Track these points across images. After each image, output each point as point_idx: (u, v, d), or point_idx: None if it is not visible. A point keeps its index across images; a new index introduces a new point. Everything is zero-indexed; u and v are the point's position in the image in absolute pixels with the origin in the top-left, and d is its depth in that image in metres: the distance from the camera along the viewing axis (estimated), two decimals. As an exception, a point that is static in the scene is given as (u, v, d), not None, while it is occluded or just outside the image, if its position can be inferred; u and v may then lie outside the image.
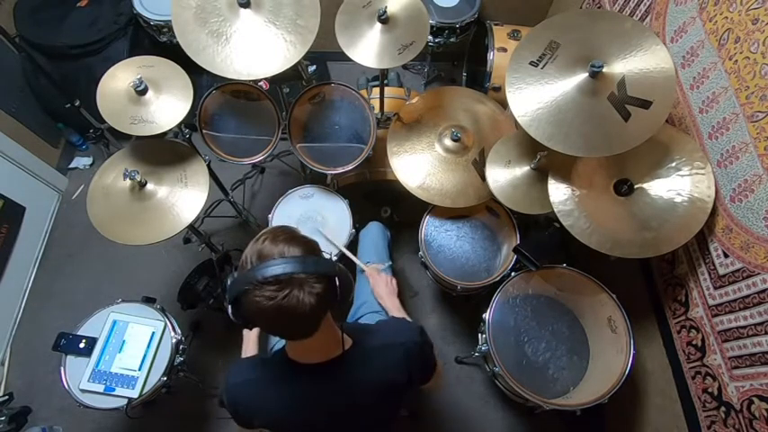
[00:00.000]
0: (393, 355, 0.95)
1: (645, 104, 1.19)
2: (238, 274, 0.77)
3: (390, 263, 1.62)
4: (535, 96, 1.26)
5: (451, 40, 2.22)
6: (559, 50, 1.26)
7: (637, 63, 1.21)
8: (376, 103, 1.81)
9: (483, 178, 1.58)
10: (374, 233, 1.70)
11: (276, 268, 0.71)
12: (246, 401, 0.93)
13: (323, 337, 0.84)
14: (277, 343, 1.36)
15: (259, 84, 1.68)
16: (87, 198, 1.44)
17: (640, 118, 1.19)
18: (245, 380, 0.94)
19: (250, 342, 1.26)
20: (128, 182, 1.41)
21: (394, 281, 1.43)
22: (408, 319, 1.21)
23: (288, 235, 0.80)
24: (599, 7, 1.99)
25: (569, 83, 1.23)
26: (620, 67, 1.21)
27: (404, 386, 0.97)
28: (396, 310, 1.31)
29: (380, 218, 2.02)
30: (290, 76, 1.69)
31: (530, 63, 1.27)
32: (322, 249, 0.82)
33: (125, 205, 1.44)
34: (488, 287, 1.61)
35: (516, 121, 1.28)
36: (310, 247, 0.80)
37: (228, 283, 0.78)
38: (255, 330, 1.26)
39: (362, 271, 1.55)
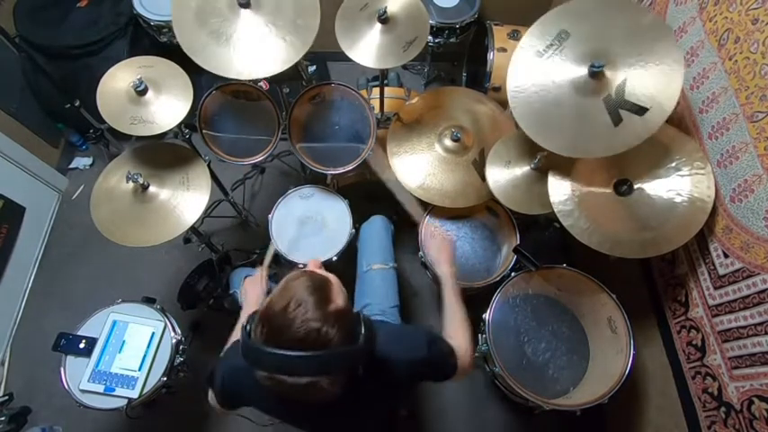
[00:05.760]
0: (395, 372, 0.91)
1: (640, 111, 1.16)
2: (247, 339, 0.65)
3: (395, 264, 1.60)
4: (531, 78, 1.24)
5: (451, 40, 2.22)
6: (568, 41, 1.23)
7: (644, 72, 1.16)
8: (376, 103, 1.80)
9: (483, 178, 1.58)
10: (379, 229, 1.64)
11: (293, 366, 0.61)
12: (236, 387, 0.93)
13: None
14: None
15: (259, 84, 1.68)
16: (91, 201, 1.44)
17: (632, 124, 1.17)
18: (237, 366, 0.92)
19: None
20: (130, 185, 1.42)
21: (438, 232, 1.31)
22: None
23: (312, 308, 0.65)
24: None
25: (567, 75, 1.22)
26: (624, 71, 1.18)
27: (399, 392, 0.97)
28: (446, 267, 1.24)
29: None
30: (290, 76, 1.69)
31: (536, 52, 1.25)
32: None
33: (128, 208, 1.44)
34: (488, 287, 1.61)
35: (516, 122, 1.28)
36: (339, 331, 0.67)
37: (242, 336, 0.67)
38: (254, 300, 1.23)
39: (366, 271, 1.53)
